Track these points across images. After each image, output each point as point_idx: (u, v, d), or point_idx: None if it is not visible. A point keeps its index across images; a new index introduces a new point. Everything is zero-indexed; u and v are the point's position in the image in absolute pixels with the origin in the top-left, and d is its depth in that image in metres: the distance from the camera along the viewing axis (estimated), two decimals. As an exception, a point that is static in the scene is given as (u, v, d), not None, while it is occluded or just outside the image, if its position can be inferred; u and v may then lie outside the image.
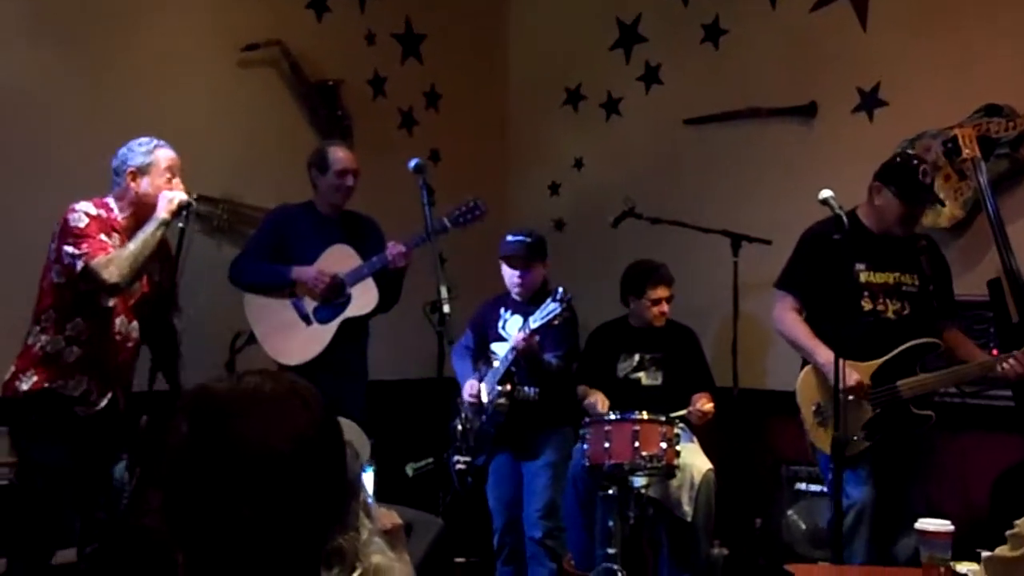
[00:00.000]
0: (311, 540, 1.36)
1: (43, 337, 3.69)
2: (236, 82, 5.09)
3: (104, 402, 3.74)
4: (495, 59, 6.27)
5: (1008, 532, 2.09)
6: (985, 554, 2.11)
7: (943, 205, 4.34)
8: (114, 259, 3.64)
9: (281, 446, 1.32)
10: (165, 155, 3.85)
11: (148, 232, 3.71)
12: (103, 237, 3.69)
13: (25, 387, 3.67)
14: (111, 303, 3.74)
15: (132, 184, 3.78)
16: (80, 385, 3.69)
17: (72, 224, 3.67)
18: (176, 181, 3.85)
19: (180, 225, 3.78)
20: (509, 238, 4.63)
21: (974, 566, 2.46)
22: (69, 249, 3.64)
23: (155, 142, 3.86)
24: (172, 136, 4.68)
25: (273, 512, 1.31)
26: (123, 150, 3.83)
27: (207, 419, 1.34)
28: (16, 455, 3.78)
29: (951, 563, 2.67)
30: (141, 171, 3.80)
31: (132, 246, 3.69)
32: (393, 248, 4.38)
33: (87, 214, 3.71)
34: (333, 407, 1.42)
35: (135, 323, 3.87)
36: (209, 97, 5.00)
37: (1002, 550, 2.06)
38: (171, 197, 3.75)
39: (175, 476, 1.34)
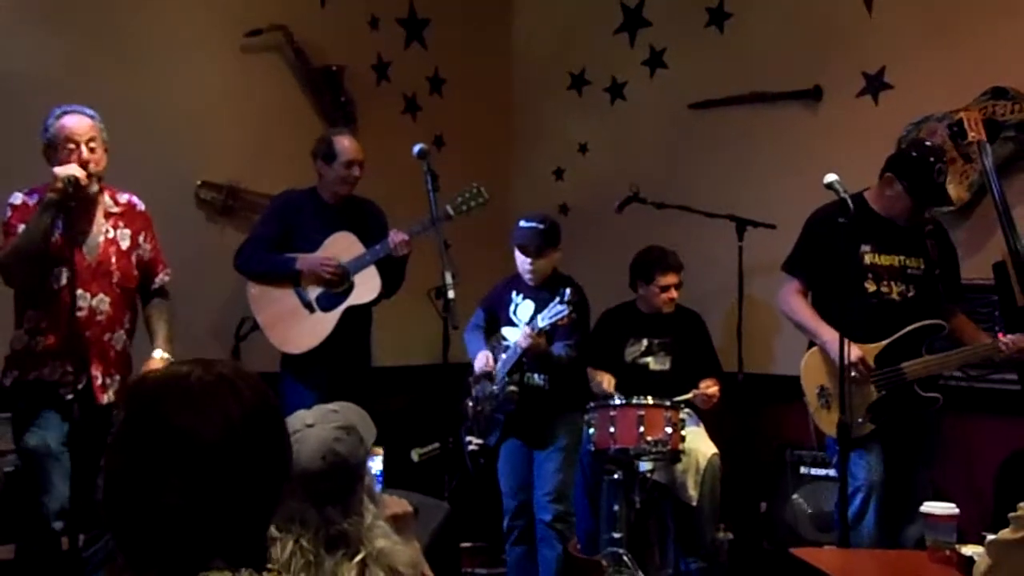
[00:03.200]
0: (247, 526, 1.38)
1: (13, 333, 3.68)
2: (240, 68, 5.09)
3: (84, 381, 3.64)
4: (499, 44, 6.25)
5: (1011, 515, 2.08)
6: (989, 537, 2.11)
7: (952, 205, 4.31)
8: (8, 252, 3.55)
9: (208, 434, 1.33)
10: (67, 124, 3.61)
11: (33, 219, 3.53)
12: (22, 227, 3.57)
13: (8, 382, 3.69)
14: (60, 283, 3.61)
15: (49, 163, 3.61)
16: (56, 370, 3.63)
17: (3, 218, 3.63)
18: (83, 151, 3.60)
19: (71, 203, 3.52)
20: (522, 224, 4.57)
21: (979, 549, 2.46)
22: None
23: (61, 111, 3.63)
24: (175, 122, 4.73)
25: (202, 499, 1.32)
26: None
27: (139, 408, 1.37)
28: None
29: (956, 546, 2.67)
30: (50, 147, 3.63)
31: (18, 237, 3.55)
32: (395, 236, 4.38)
33: (12, 205, 3.64)
34: (267, 394, 1.42)
35: (102, 296, 3.70)
36: (212, 83, 4.99)
37: (1004, 533, 2.06)
38: (57, 174, 3.49)
39: (109, 463, 1.37)
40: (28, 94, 4.34)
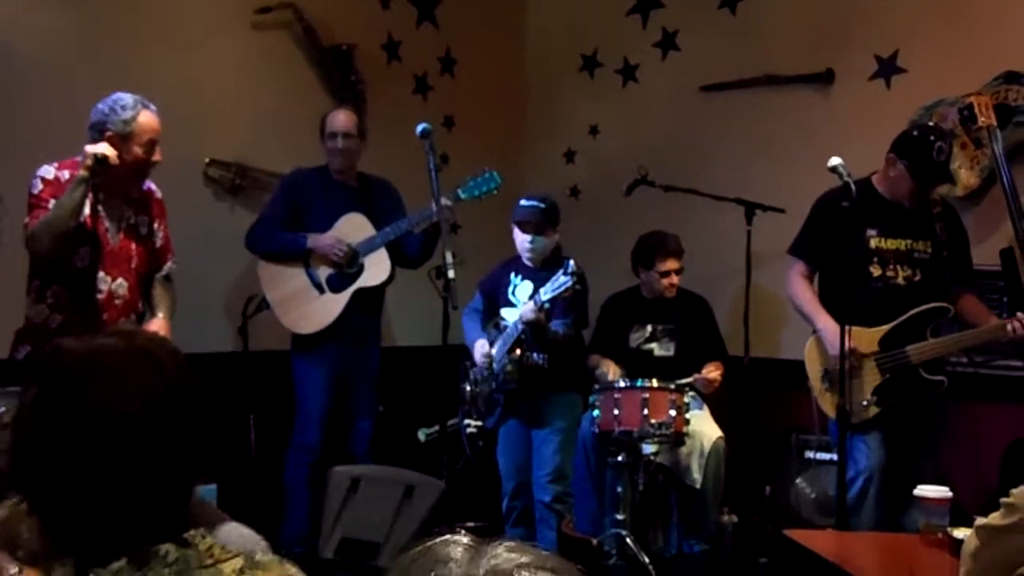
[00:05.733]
0: (169, 499, 1.35)
1: (31, 308, 3.70)
2: (249, 45, 5.08)
3: None
4: (511, 24, 6.22)
5: (1003, 500, 2.07)
6: (978, 521, 2.11)
7: (954, 183, 4.29)
8: (39, 226, 3.57)
9: (130, 407, 1.30)
10: (148, 123, 3.69)
11: (66, 194, 3.55)
12: (54, 202, 3.59)
13: (20, 355, 3.71)
14: (85, 262, 3.66)
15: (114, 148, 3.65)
16: None
17: (29, 191, 3.64)
18: (157, 148, 3.72)
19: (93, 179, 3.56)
20: (523, 202, 4.61)
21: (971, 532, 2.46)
22: (25, 218, 3.61)
23: (139, 105, 3.70)
24: (184, 99, 4.72)
25: (125, 473, 1.29)
26: (104, 107, 3.67)
27: (56, 380, 1.33)
28: None
29: (948, 529, 2.67)
30: (121, 138, 3.65)
31: (50, 212, 3.56)
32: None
33: (43, 179, 3.64)
34: (188, 367, 1.39)
35: (122, 280, 3.79)
36: (222, 60, 4.99)
37: (994, 517, 2.05)
38: (89, 151, 3.55)
39: (25, 437, 1.33)
40: (37, 71, 4.36)
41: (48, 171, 3.66)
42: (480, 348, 4.60)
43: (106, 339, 1.36)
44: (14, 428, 1.35)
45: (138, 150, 3.67)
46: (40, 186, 3.64)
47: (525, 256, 4.63)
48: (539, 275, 4.47)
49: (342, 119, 4.61)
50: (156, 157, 3.74)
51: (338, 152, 4.60)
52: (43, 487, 1.32)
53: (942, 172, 3.90)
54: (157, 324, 3.87)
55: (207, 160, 4.92)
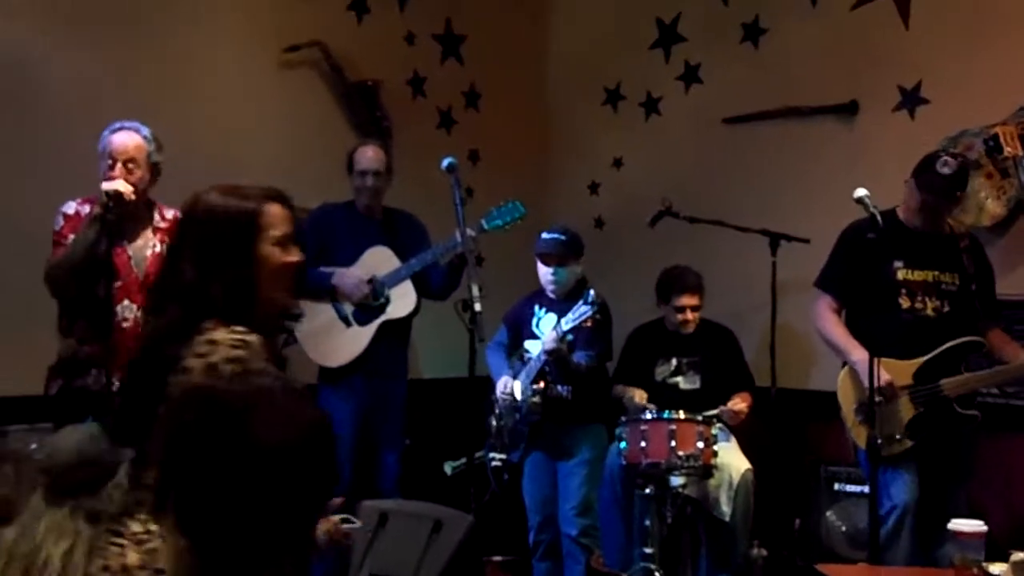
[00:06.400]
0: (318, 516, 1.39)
1: (61, 343, 3.71)
2: (277, 83, 5.15)
3: None
4: (535, 59, 6.27)
5: (1040, 534, 2.06)
6: (1014, 556, 2.09)
7: (956, 202, 4.25)
8: (54, 263, 3.58)
9: (294, 437, 1.35)
10: (112, 139, 3.71)
11: (80, 231, 3.56)
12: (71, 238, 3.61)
13: (53, 390, 3.72)
14: (106, 294, 3.65)
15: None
16: (100, 379, 3.66)
17: (53, 228, 3.68)
18: (119, 168, 3.68)
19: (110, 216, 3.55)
20: (544, 235, 4.64)
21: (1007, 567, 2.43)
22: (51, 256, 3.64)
23: (119, 126, 3.73)
24: (213, 136, 4.80)
25: (299, 496, 1.35)
26: None
27: (221, 421, 1.36)
28: None
29: (983, 564, 2.64)
30: (99, 157, 3.72)
31: (65, 249, 3.57)
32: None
33: (64, 215, 3.69)
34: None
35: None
36: (250, 97, 5.05)
37: (1031, 551, 2.04)
38: (103, 188, 3.57)
39: (193, 476, 1.36)
40: (66, 109, 4.44)
41: (70, 207, 3.71)
42: (503, 383, 4.61)
43: (261, 379, 1.40)
44: (176, 465, 1.36)
45: (103, 167, 3.70)
46: (61, 222, 3.68)
47: (548, 288, 4.65)
48: (563, 307, 4.48)
49: (370, 156, 4.63)
50: (118, 174, 3.66)
51: (366, 190, 4.62)
52: (220, 522, 1.35)
53: (946, 182, 3.86)
54: None
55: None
